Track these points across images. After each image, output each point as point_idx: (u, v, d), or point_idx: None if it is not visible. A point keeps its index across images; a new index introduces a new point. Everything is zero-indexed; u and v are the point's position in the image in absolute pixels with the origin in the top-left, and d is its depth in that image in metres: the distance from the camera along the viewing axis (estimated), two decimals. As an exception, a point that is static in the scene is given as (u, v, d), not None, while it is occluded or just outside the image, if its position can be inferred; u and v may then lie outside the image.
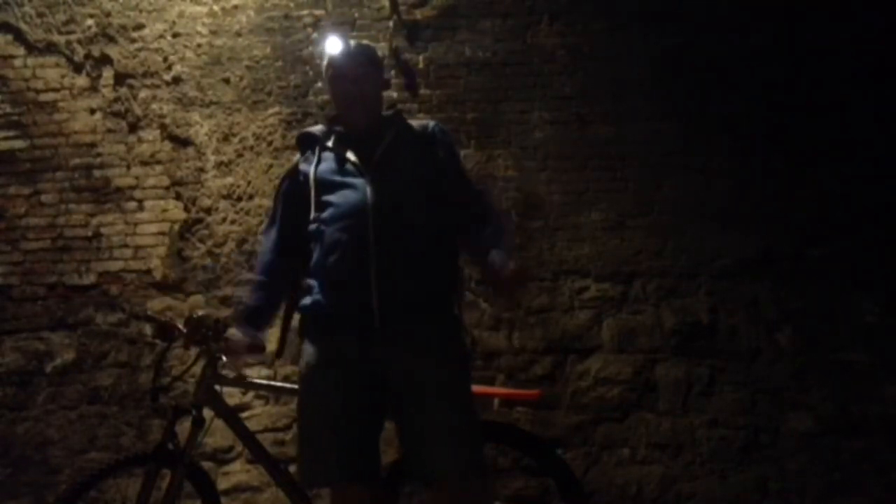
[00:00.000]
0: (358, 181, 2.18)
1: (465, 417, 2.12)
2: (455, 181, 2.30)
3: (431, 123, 2.36)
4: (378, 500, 2.21)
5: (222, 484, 3.69)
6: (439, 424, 2.07)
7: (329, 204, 2.19)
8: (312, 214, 2.21)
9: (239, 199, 4.15)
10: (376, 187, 2.15)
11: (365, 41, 2.45)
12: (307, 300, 2.20)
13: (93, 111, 4.32)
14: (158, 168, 4.23)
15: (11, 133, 4.32)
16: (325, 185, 2.22)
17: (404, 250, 2.11)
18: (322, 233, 2.17)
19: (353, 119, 2.29)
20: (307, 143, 2.36)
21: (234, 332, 2.40)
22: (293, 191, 2.31)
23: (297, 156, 2.39)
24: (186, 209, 4.17)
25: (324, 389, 2.15)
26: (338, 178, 2.21)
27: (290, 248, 2.31)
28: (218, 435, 3.58)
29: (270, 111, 4.22)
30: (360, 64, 2.30)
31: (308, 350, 2.21)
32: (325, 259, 2.15)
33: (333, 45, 2.41)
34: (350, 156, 2.23)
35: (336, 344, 2.14)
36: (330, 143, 2.29)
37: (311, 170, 2.26)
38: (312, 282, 2.19)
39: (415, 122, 2.37)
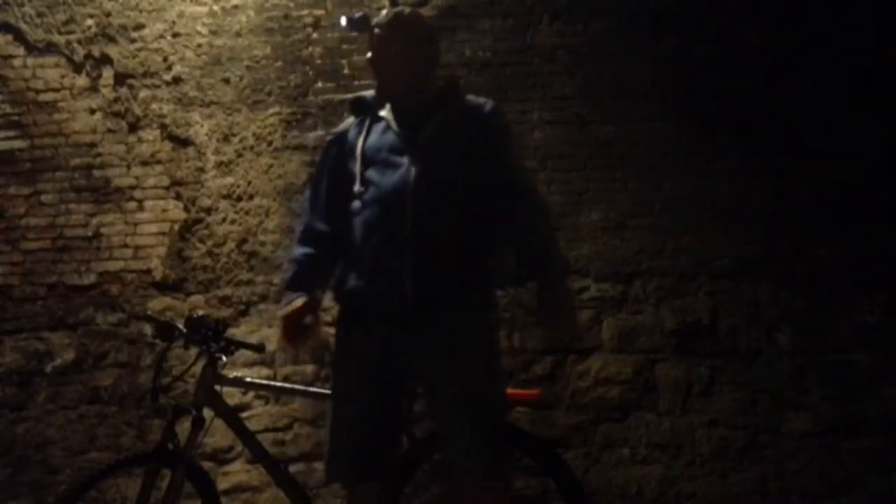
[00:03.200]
0: (402, 161, 2.08)
1: (486, 418, 2.04)
2: (498, 173, 2.16)
3: (488, 106, 2.22)
4: (394, 494, 2.18)
5: (222, 484, 3.69)
6: (458, 424, 2.02)
7: (371, 183, 2.10)
8: (356, 189, 2.11)
9: (239, 199, 4.15)
10: (419, 170, 2.06)
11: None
12: (344, 286, 2.12)
13: (93, 111, 4.31)
14: (158, 168, 4.23)
15: (11, 133, 4.32)
16: (371, 161, 2.13)
17: (441, 239, 2.04)
18: (362, 213, 2.09)
19: (389, 91, 2.19)
20: (359, 109, 2.26)
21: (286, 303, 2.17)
22: (340, 159, 2.20)
23: (350, 119, 2.28)
24: (186, 209, 4.17)
25: (349, 385, 2.11)
26: (383, 156, 2.12)
27: (335, 221, 2.18)
28: (218, 435, 3.58)
29: (270, 111, 4.22)
30: (404, 34, 2.18)
31: (340, 340, 2.14)
32: (363, 243, 2.08)
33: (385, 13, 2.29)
34: (398, 132, 2.14)
35: (366, 336, 2.08)
36: (381, 114, 2.20)
37: (360, 141, 2.16)
38: (350, 266, 2.11)
39: (472, 101, 2.23)
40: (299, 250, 2.21)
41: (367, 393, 2.08)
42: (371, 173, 2.12)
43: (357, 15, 2.30)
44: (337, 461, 2.11)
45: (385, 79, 2.20)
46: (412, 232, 2.03)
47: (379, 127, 2.18)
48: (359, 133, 2.20)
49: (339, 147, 2.23)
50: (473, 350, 2.07)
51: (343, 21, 2.32)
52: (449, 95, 2.21)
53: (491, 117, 2.20)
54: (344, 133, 2.25)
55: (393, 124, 2.17)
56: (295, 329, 2.14)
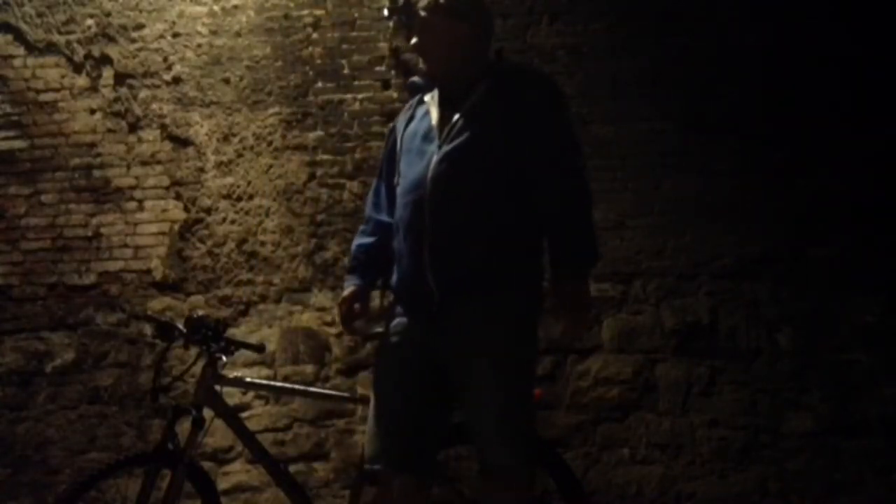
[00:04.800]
0: (429, 149, 2.05)
1: (509, 411, 1.97)
2: (539, 149, 2.02)
3: (530, 75, 2.14)
4: (427, 489, 2.12)
5: (222, 484, 3.69)
6: (481, 417, 1.99)
7: (402, 174, 2.11)
8: (395, 181, 2.14)
9: (239, 199, 4.15)
10: (441, 157, 2.01)
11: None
12: (390, 281, 2.16)
13: (93, 111, 4.31)
14: (158, 168, 4.23)
15: (11, 133, 4.33)
16: (405, 150, 2.12)
17: (461, 227, 1.98)
18: (398, 207, 2.10)
19: (434, 72, 2.14)
20: (413, 92, 2.25)
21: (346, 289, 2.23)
22: (391, 147, 2.22)
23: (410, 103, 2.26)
24: (186, 209, 4.17)
25: (385, 373, 2.11)
26: (416, 144, 2.09)
27: (393, 211, 2.17)
28: (218, 435, 3.58)
29: (270, 111, 4.22)
30: (443, 13, 2.08)
31: (386, 332, 2.15)
32: (397, 237, 2.09)
33: None
34: (434, 118, 2.09)
35: (401, 326, 2.09)
36: (426, 98, 2.17)
37: (401, 128, 2.17)
38: (394, 261, 2.13)
39: (518, 72, 2.15)
40: (356, 241, 2.27)
41: (403, 386, 2.06)
42: (403, 164, 2.12)
43: (399, 3, 2.25)
44: (375, 446, 2.07)
45: (429, 61, 2.14)
46: (430, 222, 1.99)
47: (421, 111, 2.16)
48: (405, 119, 2.20)
49: (392, 134, 2.24)
50: (506, 345, 1.99)
51: (385, 11, 2.28)
52: (493, 70, 2.12)
53: (534, 93, 2.07)
54: (398, 119, 2.26)
55: (433, 108, 2.12)
56: (347, 315, 2.20)
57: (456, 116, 2.05)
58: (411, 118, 2.18)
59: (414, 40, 2.16)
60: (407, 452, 2.04)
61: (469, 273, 1.99)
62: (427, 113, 2.14)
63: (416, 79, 2.28)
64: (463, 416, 2.05)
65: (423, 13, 2.11)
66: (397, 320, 2.12)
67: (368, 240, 2.24)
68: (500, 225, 2.01)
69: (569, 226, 2.02)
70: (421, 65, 2.22)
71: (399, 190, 2.11)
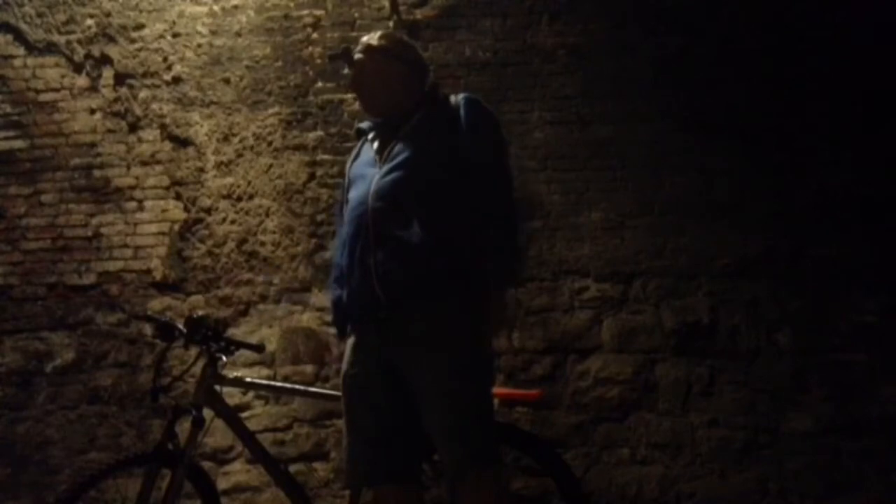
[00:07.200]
0: (371, 172, 2.19)
1: (467, 416, 2.05)
2: (470, 165, 2.17)
3: (460, 99, 2.25)
4: (419, 496, 2.18)
5: (222, 484, 3.69)
6: (439, 422, 2.05)
7: (348, 200, 2.24)
8: (345, 208, 2.28)
9: (239, 199, 4.15)
10: (381, 174, 2.14)
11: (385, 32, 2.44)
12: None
13: (93, 111, 4.31)
14: (158, 168, 4.22)
15: (11, 133, 4.32)
16: (351, 181, 2.28)
17: (402, 237, 2.07)
18: (345, 226, 2.23)
19: (372, 110, 2.33)
20: (359, 135, 2.41)
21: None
22: (343, 187, 2.37)
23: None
24: (186, 209, 4.17)
25: (351, 389, 2.17)
26: (360, 171, 2.25)
27: None
28: (218, 435, 3.58)
29: (270, 111, 4.22)
30: (377, 56, 2.29)
31: (345, 351, 2.24)
32: (344, 258, 2.19)
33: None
34: (375, 148, 2.25)
35: (356, 340, 2.18)
36: (370, 135, 2.33)
37: (349, 166, 2.33)
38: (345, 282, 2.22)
39: (451, 100, 2.27)
40: (331, 292, 2.29)
41: (369, 398, 2.13)
42: (350, 192, 2.25)
43: (339, 50, 2.45)
44: (353, 467, 2.16)
45: (366, 100, 2.33)
46: (374, 238, 2.09)
47: (366, 146, 2.32)
48: (352, 158, 2.35)
49: (344, 177, 2.38)
50: (450, 348, 2.07)
51: (328, 58, 2.46)
52: (427, 100, 2.28)
53: (460, 112, 2.21)
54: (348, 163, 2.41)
55: (375, 140, 2.28)
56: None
57: (395, 141, 2.19)
58: (357, 155, 2.33)
59: (351, 81, 2.35)
60: (387, 465, 2.10)
61: (413, 280, 2.06)
62: (370, 146, 2.28)
63: (361, 124, 2.42)
64: (425, 424, 2.09)
65: (359, 55, 2.31)
66: (352, 338, 2.20)
67: (339, 289, 2.25)
68: (440, 233, 2.09)
69: (495, 243, 2.12)
70: (359, 103, 2.40)
71: (346, 214, 2.23)
